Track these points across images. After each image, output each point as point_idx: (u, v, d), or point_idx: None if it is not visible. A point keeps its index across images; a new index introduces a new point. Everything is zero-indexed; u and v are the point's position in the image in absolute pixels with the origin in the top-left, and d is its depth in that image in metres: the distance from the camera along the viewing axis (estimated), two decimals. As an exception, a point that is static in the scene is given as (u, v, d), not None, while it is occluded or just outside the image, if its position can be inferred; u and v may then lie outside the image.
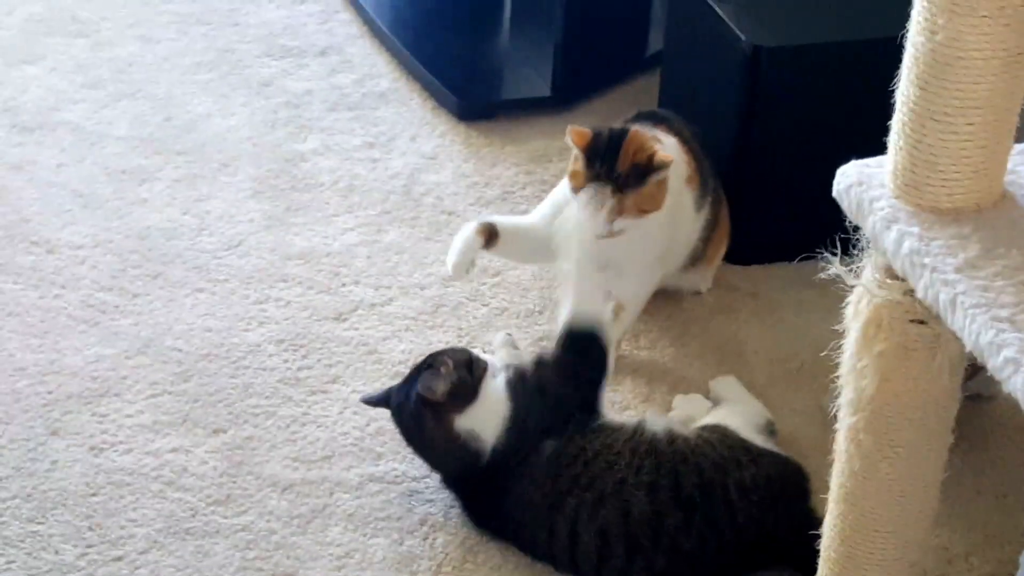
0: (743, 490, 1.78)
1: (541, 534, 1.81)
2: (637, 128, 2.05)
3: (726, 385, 2.09)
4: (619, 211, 1.99)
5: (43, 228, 2.38)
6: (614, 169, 1.99)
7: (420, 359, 1.92)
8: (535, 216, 2.16)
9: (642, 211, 2.01)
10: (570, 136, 2.02)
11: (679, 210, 2.11)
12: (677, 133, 2.16)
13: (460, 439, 1.84)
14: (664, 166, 2.00)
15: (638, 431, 1.83)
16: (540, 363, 1.90)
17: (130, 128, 2.63)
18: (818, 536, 1.57)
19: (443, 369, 1.84)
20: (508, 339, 2.13)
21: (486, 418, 1.84)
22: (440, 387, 1.82)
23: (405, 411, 1.87)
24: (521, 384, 1.87)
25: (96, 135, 2.61)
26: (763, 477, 1.79)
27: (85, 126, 2.63)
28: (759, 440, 1.88)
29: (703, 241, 2.20)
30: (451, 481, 1.90)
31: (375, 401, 1.92)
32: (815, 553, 1.58)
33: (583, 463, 1.80)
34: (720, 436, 1.85)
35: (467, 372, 1.85)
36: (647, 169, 1.99)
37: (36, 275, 2.27)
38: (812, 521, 1.72)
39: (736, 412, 1.97)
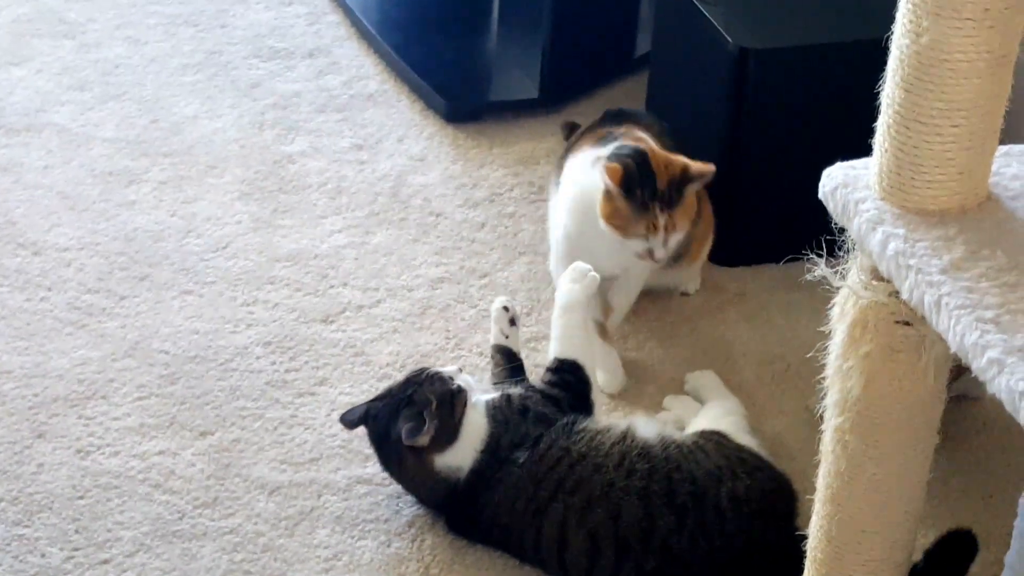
0: (735, 500, 1.77)
1: (528, 539, 1.81)
2: (646, 143, 2.05)
3: (704, 379, 2.08)
4: (672, 228, 2.00)
5: (29, 230, 2.37)
6: (656, 191, 1.99)
7: (401, 376, 1.92)
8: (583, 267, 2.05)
9: (686, 223, 2.02)
10: (606, 175, 1.98)
11: None
12: (647, 128, 2.17)
13: (440, 474, 1.85)
14: (703, 176, 2.01)
15: (628, 435, 1.83)
16: (529, 388, 1.92)
17: (117, 130, 2.63)
18: (801, 555, 1.58)
19: (426, 413, 1.83)
20: (503, 313, 2.05)
21: (465, 451, 1.85)
22: (423, 438, 1.82)
23: (384, 441, 1.87)
24: (506, 405, 1.88)
25: (83, 137, 2.61)
26: (756, 490, 1.79)
27: (72, 128, 2.62)
28: (751, 442, 1.88)
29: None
30: (428, 505, 1.90)
31: (354, 421, 1.90)
32: (798, 570, 1.59)
33: (568, 466, 1.80)
34: (715, 444, 1.84)
35: (449, 411, 1.84)
36: (683, 181, 2.01)
37: (22, 277, 2.27)
38: (797, 540, 1.73)
39: (726, 413, 1.96)
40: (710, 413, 1.99)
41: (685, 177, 2.01)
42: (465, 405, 1.86)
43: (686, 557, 1.76)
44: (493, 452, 1.84)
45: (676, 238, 2.02)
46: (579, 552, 1.78)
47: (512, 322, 2.02)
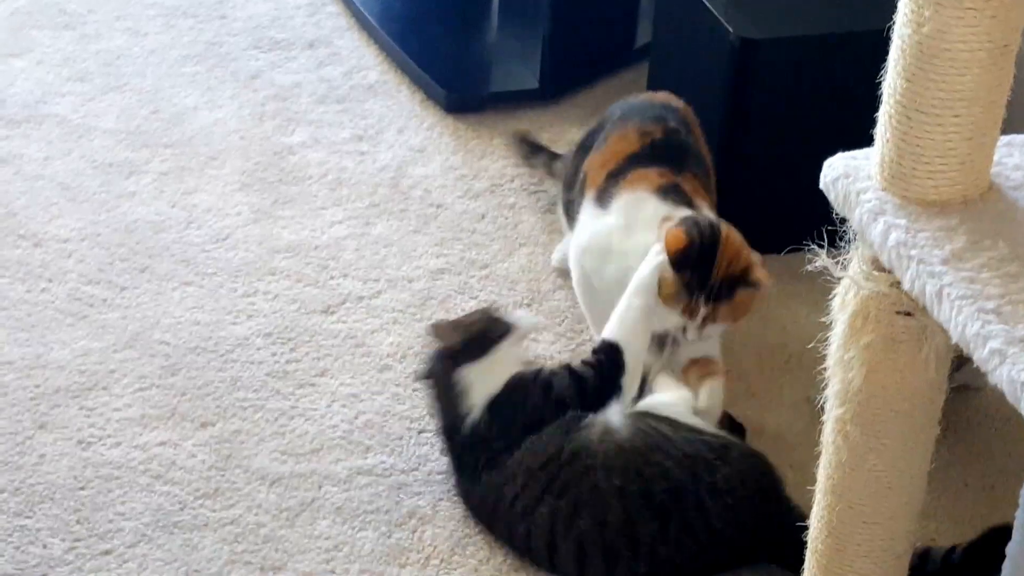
0: (716, 493, 1.75)
1: (517, 533, 1.81)
2: (730, 230, 1.91)
3: (708, 397, 1.97)
4: (712, 320, 1.90)
5: (30, 221, 2.37)
6: (707, 280, 1.88)
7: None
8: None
9: (730, 320, 1.92)
10: (667, 240, 1.87)
11: None
12: (698, 176, 2.07)
13: (455, 389, 1.87)
14: (757, 286, 1.90)
15: (608, 430, 1.80)
16: (562, 367, 1.91)
17: (117, 121, 2.62)
18: (800, 527, 1.58)
19: (467, 318, 1.95)
20: None
21: (484, 383, 1.87)
22: (442, 331, 1.92)
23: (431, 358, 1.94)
24: (532, 375, 1.88)
25: (83, 128, 2.60)
26: (736, 477, 1.77)
27: (72, 119, 2.62)
28: (698, 422, 1.84)
29: None
30: (443, 436, 1.92)
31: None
32: (799, 544, 1.58)
33: (558, 466, 1.78)
34: (671, 427, 1.80)
35: (487, 328, 1.90)
36: (739, 281, 1.89)
37: (23, 269, 2.27)
38: (790, 511, 1.72)
39: (671, 402, 1.89)
40: (651, 400, 1.92)
41: (743, 279, 1.89)
42: (502, 336, 1.89)
43: (677, 559, 1.75)
44: (503, 422, 1.84)
45: (716, 329, 1.93)
46: (568, 557, 1.78)
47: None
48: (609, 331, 1.91)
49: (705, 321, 1.91)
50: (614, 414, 1.82)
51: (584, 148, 2.20)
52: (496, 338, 1.89)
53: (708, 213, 2.00)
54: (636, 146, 2.09)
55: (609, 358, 1.88)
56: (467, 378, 1.87)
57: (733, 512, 1.76)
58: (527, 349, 2.04)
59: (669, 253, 1.87)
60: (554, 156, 2.42)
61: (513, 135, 2.47)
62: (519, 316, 1.97)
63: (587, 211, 2.09)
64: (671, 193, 2.00)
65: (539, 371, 1.90)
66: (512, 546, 1.84)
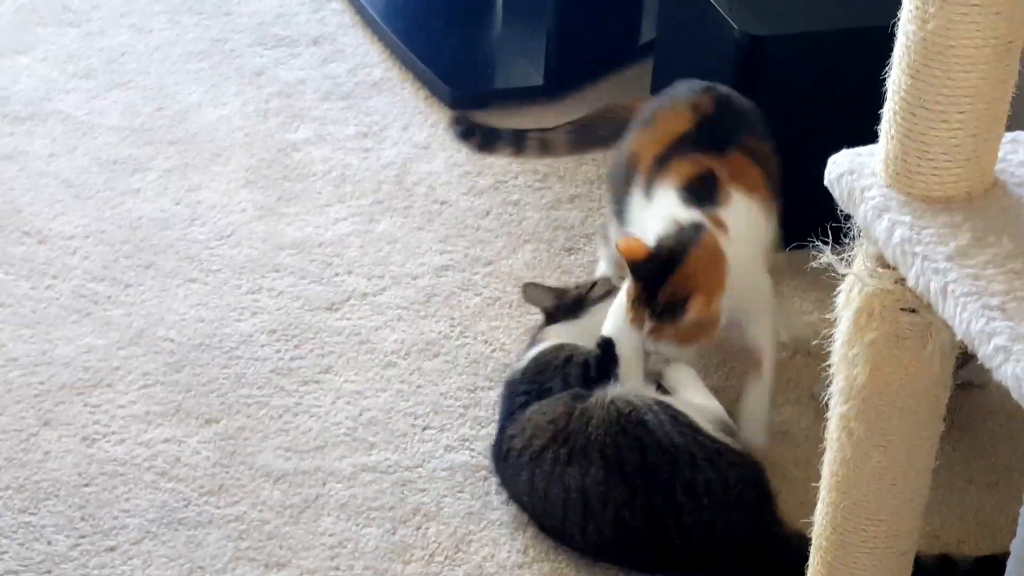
0: (692, 491, 1.75)
1: (520, 482, 1.85)
2: (699, 251, 1.83)
3: (679, 375, 1.96)
4: (658, 337, 1.85)
5: (34, 218, 2.37)
6: (655, 298, 1.83)
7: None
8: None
9: (683, 342, 1.85)
10: (620, 247, 1.84)
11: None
12: (756, 151, 1.97)
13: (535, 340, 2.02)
14: (687, 313, 1.80)
15: (613, 399, 1.83)
16: (581, 355, 1.96)
17: (121, 118, 2.63)
18: (781, 542, 1.57)
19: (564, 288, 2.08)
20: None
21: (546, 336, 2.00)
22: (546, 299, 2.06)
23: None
24: (563, 350, 1.96)
25: (87, 125, 2.60)
26: (718, 482, 1.76)
27: (76, 116, 2.62)
28: (715, 432, 1.83)
29: None
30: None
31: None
32: (780, 563, 1.58)
33: (566, 421, 1.83)
34: (671, 417, 1.81)
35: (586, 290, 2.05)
36: (681, 306, 1.82)
37: (27, 265, 2.27)
38: (773, 528, 1.72)
39: (691, 406, 1.88)
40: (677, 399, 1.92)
41: (683, 305, 1.82)
42: (605, 296, 1.99)
43: (643, 535, 1.76)
44: (534, 367, 1.94)
45: (667, 348, 1.87)
46: (556, 503, 1.80)
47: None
48: (605, 326, 1.94)
49: (654, 336, 1.86)
50: (625, 390, 1.86)
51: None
52: (598, 296, 2.00)
53: (736, 200, 1.90)
54: (688, 124, 1.99)
55: (604, 351, 1.91)
56: (548, 333, 1.99)
57: (707, 514, 1.75)
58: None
59: (626, 259, 1.85)
60: (520, 136, 2.36)
61: (455, 119, 2.41)
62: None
63: (637, 203, 1.99)
64: (697, 189, 1.91)
65: (576, 348, 1.96)
66: (516, 499, 1.88)
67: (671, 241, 1.85)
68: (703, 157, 1.94)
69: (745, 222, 1.90)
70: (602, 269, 2.20)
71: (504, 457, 1.89)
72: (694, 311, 1.80)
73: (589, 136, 2.32)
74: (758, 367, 1.94)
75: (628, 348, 1.90)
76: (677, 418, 1.82)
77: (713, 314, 1.83)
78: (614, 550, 1.80)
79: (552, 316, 2.05)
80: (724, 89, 2.05)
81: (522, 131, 2.38)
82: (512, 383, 1.97)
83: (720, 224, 1.88)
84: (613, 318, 1.91)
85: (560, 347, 1.97)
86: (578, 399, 1.86)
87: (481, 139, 2.38)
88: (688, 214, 1.89)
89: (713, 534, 1.76)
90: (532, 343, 2.03)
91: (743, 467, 1.81)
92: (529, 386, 1.93)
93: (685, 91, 2.07)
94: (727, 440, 1.83)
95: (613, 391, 1.85)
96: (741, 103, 2.03)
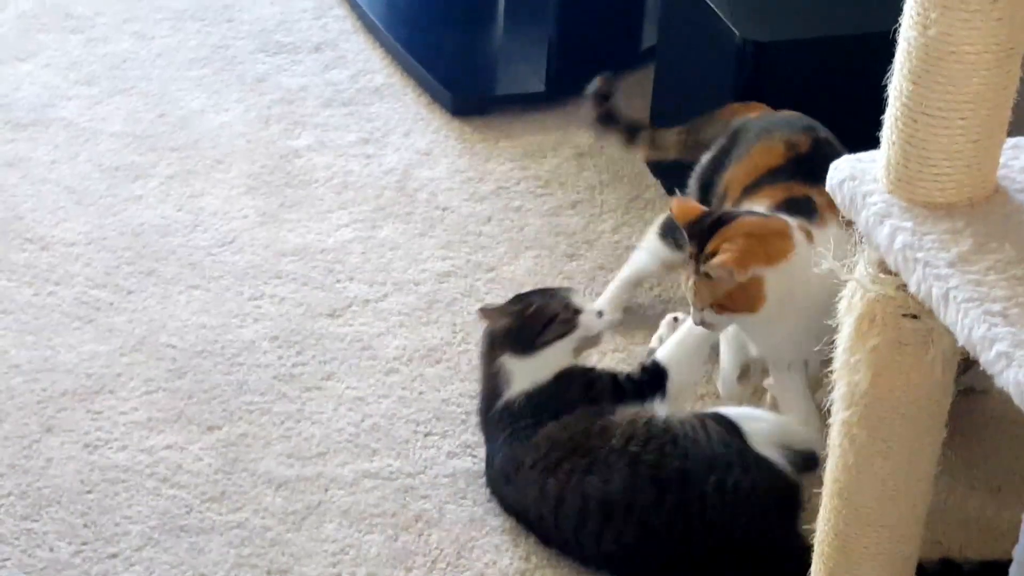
0: (721, 491, 1.76)
1: (529, 495, 1.84)
2: (754, 219, 1.81)
3: (786, 384, 1.91)
4: (697, 297, 1.81)
5: (37, 225, 2.37)
6: (702, 252, 1.80)
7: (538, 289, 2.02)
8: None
9: (722, 308, 1.80)
10: (672, 209, 1.86)
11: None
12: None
13: (494, 371, 1.90)
14: (713, 272, 1.77)
15: (642, 412, 1.83)
16: (610, 373, 1.92)
17: (124, 124, 2.63)
18: (799, 558, 1.57)
19: (516, 310, 1.90)
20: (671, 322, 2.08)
21: (524, 374, 1.88)
22: (488, 316, 1.92)
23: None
24: (580, 374, 1.90)
25: (90, 131, 2.61)
26: (747, 486, 1.77)
27: (79, 122, 2.63)
28: (768, 452, 1.82)
29: None
30: (480, 403, 1.95)
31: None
32: (788, 570, 1.58)
33: (585, 436, 1.82)
34: (722, 433, 1.82)
35: (539, 327, 1.89)
36: (708, 259, 1.79)
37: (30, 272, 2.27)
38: (793, 541, 1.71)
39: (763, 421, 1.87)
40: (748, 412, 1.92)
41: (708, 259, 1.79)
42: (560, 337, 1.89)
43: (662, 536, 1.76)
44: (536, 402, 1.87)
45: (710, 316, 1.81)
46: (572, 511, 1.80)
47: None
48: (663, 352, 1.93)
49: (695, 296, 1.82)
50: (659, 406, 1.86)
51: (715, 167, 2.08)
52: (551, 338, 1.89)
53: (833, 227, 1.83)
54: (780, 159, 1.98)
55: (654, 380, 1.90)
56: (509, 367, 1.90)
57: (732, 514, 1.76)
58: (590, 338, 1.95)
59: (678, 221, 1.86)
60: (633, 128, 2.28)
61: (599, 87, 2.28)
62: (587, 317, 1.91)
63: None
64: (795, 206, 1.87)
65: (588, 371, 1.92)
66: (522, 516, 1.86)
67: (731, 210, 1.87)
68: (797, 184, 1.92)
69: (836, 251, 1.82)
70: (640, 261, 2.20)
71: (510, 476, 1.87)
72: (723, 259, 1.75)
73: (696, 143, 2.22)
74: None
75: (681, 384, 1.91)
76: (713, 429, 1.82)
77: (751, 285, 1.78)
78: (630, 557, 1.79)
79: (502, 345, 1.91)
80: (824, 132, 2.01)
81: (636, 126, 2.29)
82: (502, 416, 1.89)
83: (808, 234, 1.83)
84: (677, 348, 1.90)
85: (564, 377, 1.89)
86: (599, 415, 1.84)
87: (603, 114, 2.29)
88: (796, 221, 1.86)
89: (732, 535, 1.76)
90: (497, 376, 1.91)
91: (775, 478, 1.80)
92: (535, 412, 1.87)
93: (785, 126, 2.02)
94: (770, 454, 1.81)
95: (645, 409, 1.84)
96: (838, 148, 1.98)
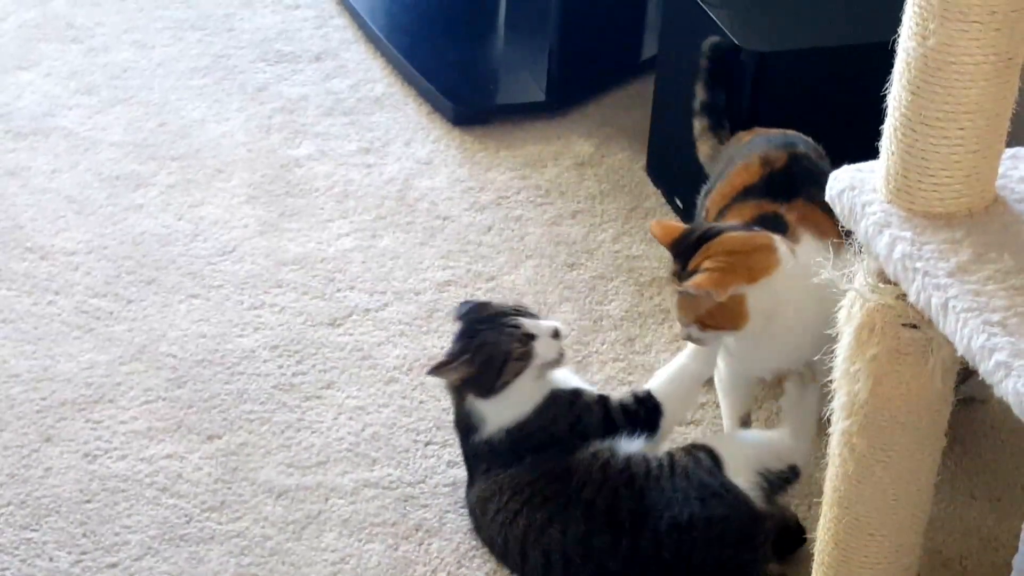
0: (676, 527, 1.72)
1: (496, 543, 1.83)
2: (737, 235, 1.79)
3: (797, 395, 1.86)
4: (681, 312, 1.79)
5: (37, 234, 2.38)
6: (684, 270, 1.79)
7: (503, 303, 1.92)
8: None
9: (704, 325, 1.77)
10: (653, 232, 1.84)
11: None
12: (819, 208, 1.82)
13: (466, 410, 1.85)
14: (691, 291, 1.75)
15: (602, 451, 1.80)
16: (602, 398, 1.86)
17: (124, 134, 2.63)
18: None
19: (465, 356, 1.81)
20: None
21: (499, 412, 1.83)
22: (443, 373, 1.84)
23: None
24: (566, 406, 1.84)
25: (90, 141, 2.61)
26: (703, 519, 1.72)
27: (79, 132, 2.63)
28: (744, 482, 1.77)
29: None
30: (456, 431, 1.91)
31: (459, 314, 1.89)
32: None
33: (546, 481, 1.79)
34: (691, 464, 1.77)
35: (496, 369, 1.81)
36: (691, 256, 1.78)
37: (29, 281, 2.27)
38: (755, 572, 1.70)
39: (746, 446, 1.84)
40: (736, 437, 1.91)
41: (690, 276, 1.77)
42: (519, 373, 1.82)
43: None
44: (517, 437, 1.82)
45: (695, 332, 1.80)
46: (536, 565, 1.78)
47: None
48: (659, 384, 1.88)
49: (679, 309, 1.80)
50: (625, 443, 1.82)
51: (707, 192, 2.07)
52: (510, 377, 1.82)
53: (807, 241, 1.83)
54: (755, 177, 1.95)
55: (648, 415, 1.85)
56: (480, 408, 1.85)
57: (688, 550, 1.72)
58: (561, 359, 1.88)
59: (660, 241, 1.84)
60: (719, 124, 2.21)
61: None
62: (541, 344, 1.83)
63: None
64: (764, 224, 1.85)
65: (574, 403, 1.84)
66: (493, 552, 1.85)
67: (715, 225, 1.84)
68: (767, 202, 1.90)
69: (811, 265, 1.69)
70: None
71: (479, 515, 1.85)
72: (700, 280, 1.73)
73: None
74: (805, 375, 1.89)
75: (673, 419, 1.87)
76: (682, 463, 1.77)
77: (733, 303, 1.75)
78: None
79: (466, 390, 1.85)
80: (803, 147, 1.99)
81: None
82: (480, 451, 1.85)
83: (788, 248, 1.80)
84: (671, 382, 1.87)
85: (549, 406, 1.83)
86: (566, 457, 1.80)
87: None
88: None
89: (691, 569, 1.73)
90: (469, 417, 1.86)
91: (736, 509, 1.75)
92: (515, 446, 1.82)
93: (762, 144, 2.01)
94: (743, 481, 1.76)
95: (604, 447, 1.80)
96: (815, 164, 1.97)
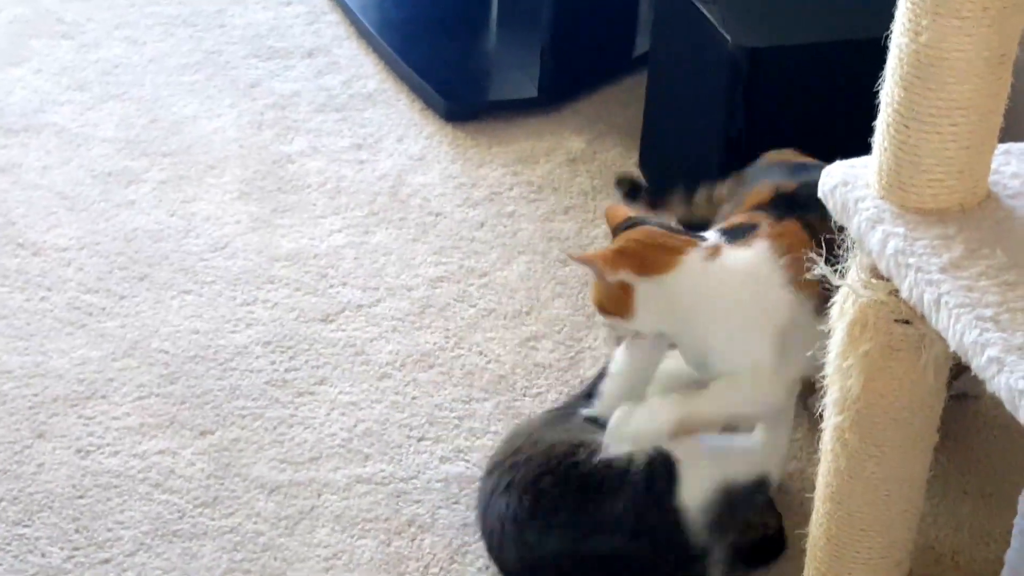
0: (598, 554, 1.73)
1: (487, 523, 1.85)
2: (649, 230, 1.80)
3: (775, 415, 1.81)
4: (593, 300, 1.82)
5: (28, 230, 2.37)
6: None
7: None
8: None
9: (598, 305, 1.80)
10: (605, 214, 1.87)
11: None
12: (808, 224, 1.81)
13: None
14: (582, 261, 1.80)
15: (587, 442, 1.80)
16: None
17: (116, 130, 2.63)
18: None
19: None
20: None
21: None
22: None
23: None
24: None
25: (82, 137, 2.61)
26: (628, 550, 1.73)
27: (70, 128, 2.62)
28: (700, 503, 1.72)
29: None
30: None
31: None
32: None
33: (525, 443, 1.82)
34: (641, 482, 1.73)
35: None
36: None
37: (22, 277, 2.27)
38: (677, 538, 1.71)
39: (713, 456, 1.78)
40: (718, 441, 1.83)
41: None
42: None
43: (543, 563, 1.76)
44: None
45: (592, 297, 1.83)
46: (491, 533, 1.81)
47: None
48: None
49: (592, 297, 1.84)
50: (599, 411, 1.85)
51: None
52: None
53: (762, 254, 1.80)
54: (766, 198, 1.91)
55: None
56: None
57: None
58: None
59: (606, 221, 1.87)
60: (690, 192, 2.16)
61: (619, 180, 2.21)
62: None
63: None
64: (734, 232, 1.83)
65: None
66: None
67: (643, 217, 1.87)
68: (757, 214, 1.87)
69: (757, 271, 1.77)
70: None
71: (484, 508, 1.86)
72: (590, 253, 1.81)
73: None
74: None
75: (615, 366, 1.88)
76: (638, 477, 1.74)
77: (620, 289, 1.76)
78: None
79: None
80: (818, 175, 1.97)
81: (691, 191, 2.15)
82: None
83: (718, 249, 1.79)
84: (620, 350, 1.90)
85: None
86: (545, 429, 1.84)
87: (650, 198, 2.18)
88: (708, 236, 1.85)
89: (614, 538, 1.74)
90: None
91: (668, 545, 1.72)
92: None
93: (779, 173, 1.97)
94: (692, 503, 1.72)
95: (568, 423, 1.83)
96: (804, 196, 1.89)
